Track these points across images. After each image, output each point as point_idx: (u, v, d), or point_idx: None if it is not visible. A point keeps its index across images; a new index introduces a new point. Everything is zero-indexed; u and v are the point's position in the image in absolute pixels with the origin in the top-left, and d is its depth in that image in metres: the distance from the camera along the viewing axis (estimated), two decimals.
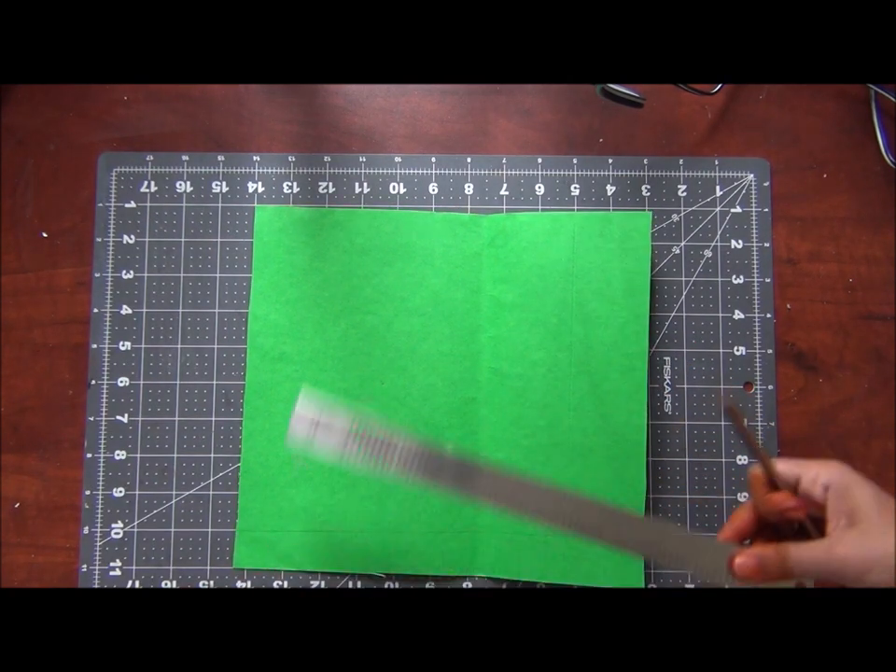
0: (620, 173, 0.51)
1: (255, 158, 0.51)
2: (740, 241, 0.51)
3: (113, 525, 0.49)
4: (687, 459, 0.49)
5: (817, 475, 0.36)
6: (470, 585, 0.49)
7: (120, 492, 0.49)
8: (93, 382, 0.50)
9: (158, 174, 0.51)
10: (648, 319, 0.49)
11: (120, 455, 0.49)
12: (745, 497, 0.49)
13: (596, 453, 0.48)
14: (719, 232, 0.51)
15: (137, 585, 0.49)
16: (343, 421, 0.40)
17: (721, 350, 0.50)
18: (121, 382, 0.50)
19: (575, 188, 0.51)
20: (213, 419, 0.49)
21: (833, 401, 0.50)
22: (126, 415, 0.49)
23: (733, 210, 0.51)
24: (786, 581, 0.36)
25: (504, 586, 0.48)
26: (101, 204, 0.51)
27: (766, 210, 0.51)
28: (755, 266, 0.51)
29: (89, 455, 0.49)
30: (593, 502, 0.39)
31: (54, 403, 0.50)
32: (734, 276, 0.50)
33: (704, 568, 0.38)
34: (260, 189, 0.51)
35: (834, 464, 0.37)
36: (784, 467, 0.38)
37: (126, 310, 0.50)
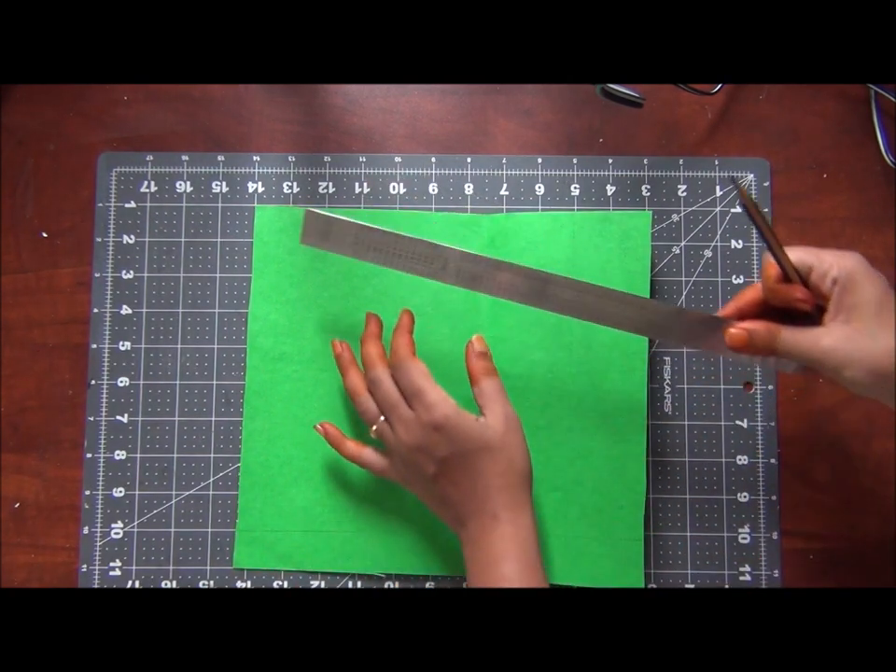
0: (620, 173, 0.51)
1: (255, 158, 0.51)
2: (740, 241, 0.51)
3: (113, 525, 0.49)
4: (687, 459, 0.49)
5: (829, 268, 0.36)
6: None
7: (120, 492, 0.49)
8: (93, 382, 0.50)
9: (158, 174, 0.51)
10: None
11: (120, 455, 0.49)
12: (745, 496, 0.49)
13: (596, 453, 0.48)
14: (719, 232, 0.51)
15: (137, 585, 0.49)
16: (348, 227, 0.43)
17: None
18: (121, 382, 0.50)
19: (575, 188, 0.51)
20: (213, 419, 0.49)
21: (832, 401, 0.50)
22: (126, 415, 0.49)
23: (733, 210, 0.51)
24: (773, 358, 0.38)
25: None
26: (101, 204, 0.51)
27: (766, 210, 0.51)
28: (755, 266, 0.51)
29: (89, 455, 0.49)
30: (594, 287, 0.42)
31: (54, 403, 0.50)
32: (734, 276, 0.50)
33: (697, 338, 0.40)
34: (260, 189, 0.51)
35: (849, 257, 0.37)
36: (798, 255, 0.37)
37: (126, 310, 0.50)
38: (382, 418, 0.45)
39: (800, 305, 0.38)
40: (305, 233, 0.44)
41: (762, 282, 0.39)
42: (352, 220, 0.43)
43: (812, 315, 0.38)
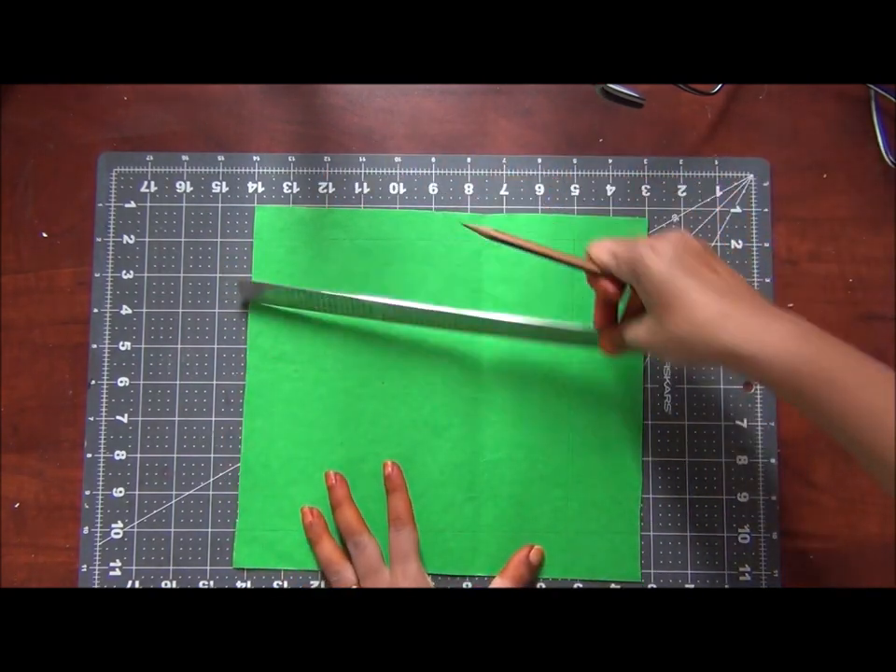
0: (620, 173, 0.51)
1: (255, 158, 0.51)
2: (740, 241, 0.51)
3: (113, 525, 0.49)
4: (687, 459, 0.49)
5: (617, 265, 0.39)
6: (470, 585, 0.49)
7: (120, 492, 0.49)
8: (93, 382, 0.50)
9: (158, 174, 0.51)
10: None
11: (120, 455, 0.49)
12: (745, 496, 0.49)
13: (595, 451, 0.49)
14: (719, 233, 0.51)
15: (137, 585, 0.49)
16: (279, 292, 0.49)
17: None
18: (121, 382, 0.50)
19: (575, 188, 0.51)
20: (213, 419, 0.49)
21: None
22: (126, 415, 0.49)
23: (732, 210, 0.51)
24: (627, 350, 0.42)
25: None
26: (101, 204, 0.51)
27: (766, 210, 0.51)
28: (755, 266, 0.51)
29: (89, 455, 0.49)
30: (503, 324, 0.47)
31: (54, 403, 0.50)
32: None
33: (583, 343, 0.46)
34: (260, 189, 0.51)
35: (634, 251, 0.38)
36: (598, 253, 0.40)
37: (126, 310, 0.50)
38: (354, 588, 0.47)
39: (613, 298, 0.41)
40: (239, 297, 0.50)
41: (589, 283, 0.43)
42: (281, 286, 0.48)
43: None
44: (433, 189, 0.51)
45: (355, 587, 0.46)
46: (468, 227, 0.42)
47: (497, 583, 0.47)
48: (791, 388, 0.34)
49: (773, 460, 0.49)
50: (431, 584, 0.47)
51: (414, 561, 0.46)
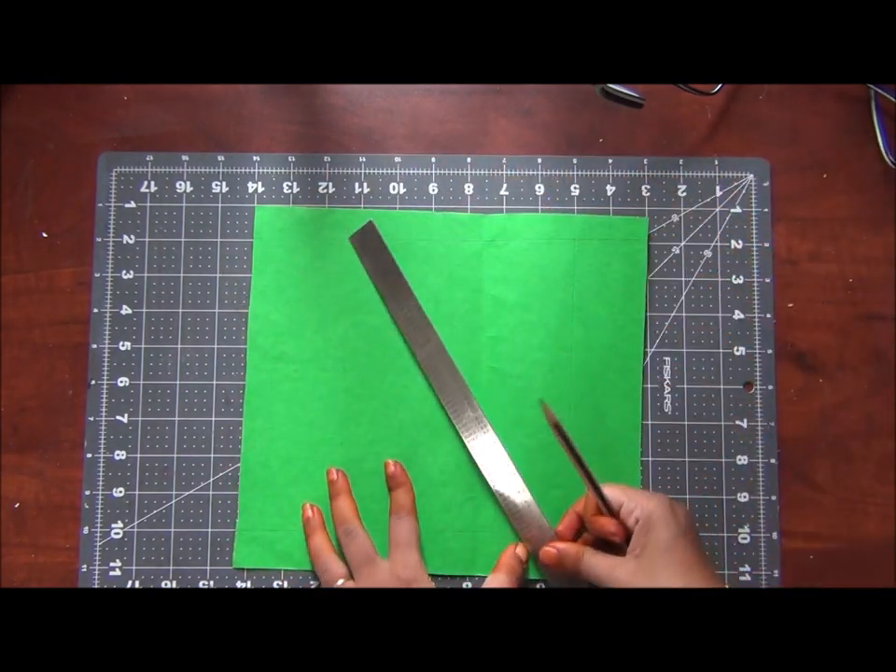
0: (620, 173, 0.51)
1: (255, 158, 0.51)
2: (740, 241, 0.51)
3: (113, 525, 0.49)
4: (687, 459, 0.49)
5: (634, 507, 0.42)
6: (470, 585, 0.49)
7: (120, 492, 0.49)
8: (93, 382, 0.50)
9: (158, 174, 0.51)
10: (644, 322, 0.49)
11: (120, 455, 0.49)
12: (745, 496, 0.49)
13: (594, 451, 0.49)
14: (718, 232, 0.51)
15: (137, 585, 0.49)
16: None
17: (720, 350, 0.50)
18: (121, 382, 0.50)
19: (575, 188, 0.51)
20: (213, 419, 0.49)
21: (832, 401, 0.50)
22: (126, 415, 0.49)
23: (732, 210, 0.51)
24: (577, 577, 0.44)
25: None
26: (101, 204, 0.51)
27: (766, 210, 0.51)
28: (755, 266, 0.51)
29: (89, 455, 0.49)
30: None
31: (54, 403, 0.50)
32: (733, 276, 0.50)
33: (531, 543, 0.48)
34: (260, 189, 0.51)
35: (655, 501, 0.42)
36: (611, 493, 0.43)
37: (126, 310, 0.50)
38: (341, 581, 0.46)
39: (612, 538, 0.43)
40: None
41: (583, 513, 0.46)
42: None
43: (621, 545, 0.43)
44: (433, 188, 0.51)
45: (342, 580, 0.46)
46: (543, 406, 0.43)
47: (492, 580, 0.46)
48: None
49: (773, 460, 0.49)
50: (429, 578, 0.47)
51: (416, 551, 0.47)
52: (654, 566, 0.41)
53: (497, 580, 0.46)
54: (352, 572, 0.47)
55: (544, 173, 0.51)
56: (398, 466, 0.48)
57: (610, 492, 0.43)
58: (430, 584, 0.47)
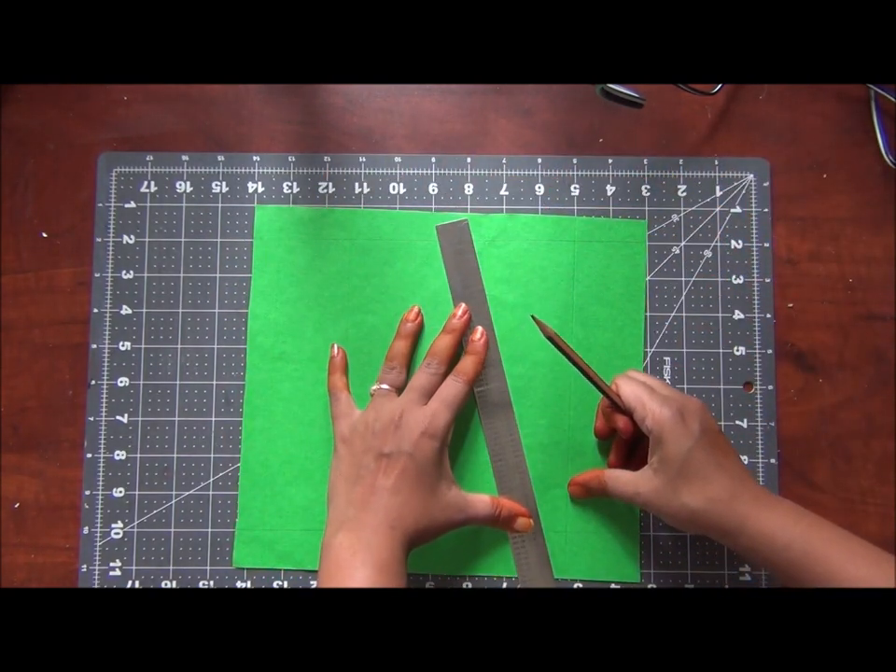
0: (620, 173, 0.51)
1: (255, 158, 0.51)
2: (740, 241, 0.51)
3: (113, 525, 0.49)
4: None
5: (644, 416, 0.42)
6: (470, 585, 0.49)
7: (120, 492, 0.49)
8: (93, 382, 0.50)
9: (158, 174, 0.51)
10: (643, 323, 0.49)
11: (120, 455, 0.49)
12: None
13: (594, 451, 0.49)
14: (718, 232, 0.51)
15: (137, 585, 0.49)
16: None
17: (720, 350, 0.50)
18: (121, 382, 0.50)
19: (575, 188, 0.51)
20: (213, 419, 0.49)
21: (833, 401, 0.50)
22: (126, 415, 0.49)
23: (733, 210, 0.51)
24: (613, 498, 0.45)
25: (504, 585, 0.48)
26: (101, 204, 0.51)
27: (766, 210, 0.51)
28: (755, 266, 0.51)
29: (89, 455, 0.49)
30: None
31: (54, 403, 0.50)
32: (733, 276, 0.51)
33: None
34: (260, 189, 0.51)
35: (666, 410, 0.42)
36: (627, 396, 0.44)
37: (126, 310, 0.50)
38: (379, 385, 0.47)
39: (622, 434, 0.45)
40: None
41: (601, 406, 0.47)
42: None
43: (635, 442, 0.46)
44: (433, 188, 0.51)
45: (347, 403, 0.47)
46: (535, 320, 0.44)
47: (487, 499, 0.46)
48: (785, 559, 0.39)
49: (773, 460, 0.49)
50: (444, 451, 0.45)
51: (451, 414, 0.45)
52: (674, 485, 0.41)
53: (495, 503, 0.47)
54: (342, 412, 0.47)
55: (544, 173, 0.51)
56: (484, 336, 0.48)
57: (627, 394, 0.44)
58: (445, 460, 0.45)
